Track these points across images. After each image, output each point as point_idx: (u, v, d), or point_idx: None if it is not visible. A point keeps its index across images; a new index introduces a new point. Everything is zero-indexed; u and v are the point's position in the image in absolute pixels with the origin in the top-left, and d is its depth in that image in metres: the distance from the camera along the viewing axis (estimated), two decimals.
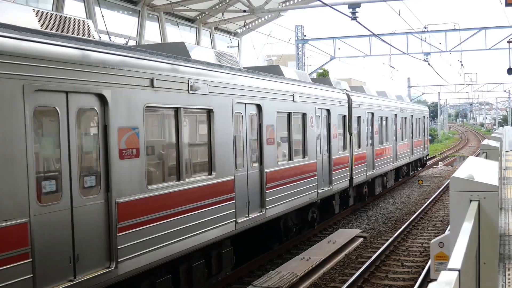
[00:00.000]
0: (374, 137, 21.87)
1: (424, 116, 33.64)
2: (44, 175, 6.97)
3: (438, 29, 35.05)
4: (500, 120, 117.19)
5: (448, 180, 8.47)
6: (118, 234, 7.84)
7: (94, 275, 7.39)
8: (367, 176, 20.65)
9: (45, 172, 7.04)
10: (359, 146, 19.85)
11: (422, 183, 28.97)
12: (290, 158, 14.02)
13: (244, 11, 24.17)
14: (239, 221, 11.24)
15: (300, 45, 34.26)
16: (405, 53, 34.48)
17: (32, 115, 6.65)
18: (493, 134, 22.73)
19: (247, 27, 30.31)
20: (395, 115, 25.58)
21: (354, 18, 21.82)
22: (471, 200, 4.77)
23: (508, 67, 31.77)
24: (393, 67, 43.21)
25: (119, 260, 7.83)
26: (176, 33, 25.07)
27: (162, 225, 8.81)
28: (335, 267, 13.30)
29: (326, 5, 17.44)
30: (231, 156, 11.04)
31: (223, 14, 24.75)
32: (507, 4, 15.42)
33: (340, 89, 18.96)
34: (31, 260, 6.53)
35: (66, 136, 7.14)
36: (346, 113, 18.53)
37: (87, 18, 19.31)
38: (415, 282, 11.82)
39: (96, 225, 7.58)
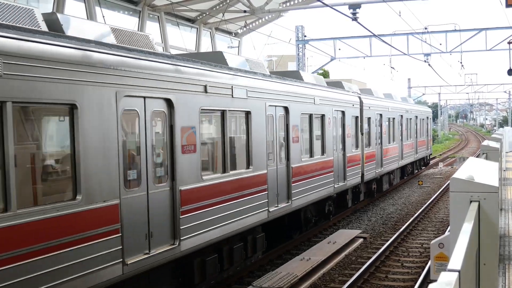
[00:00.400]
0: (383, 137, 23.33)
1: (427, 117, 35.35)
2: (128, 165, 8.37)
3: (439, 29, 35.06)
4: (500, 121, 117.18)
5: (448, 181, 8.47)
6: (181, 217, 9.26)
7: (163, 250, 8.77)
8: (376, 173, 22.12)
9: (130, 163, 8.43)
10: (369, 145, 21.35)
11: (422, 184, 28.97)
12: (311, 155, 15.54)
13: (245, 11, 24.16)
14: (270, 210, 12.77)
15: (300, 45, 34.27)
16: (406, 54, 34.48)
17: (121, 116, 8.05)
18: (493, 135, 22.73)
19: (247, 27, 30.31)
20: (401, 116, 27.09)
21: (355, 19, 21.80)
22: (471, 201, 4.77)
23: (509, 68, 31.77)
24: (393, 68, 43.23)
25: (181, 238, 9.22)
26: (177, 34, 25.08)
27: (212, 211, 10.26)
28: (335, 268, 13.31)
29: (327, 5, 17.46)
30: (264, 152, 12.60)
31: (223, 15, 24.76)
32: (508, 5, 15.43)
33: (352, 92, 20.38)
34: (120, 235, 7.89)
35: (144, 133, 8.59)
36: (358, 115, 20.10)
37: (87, 18, 19.34)
38: (415, 283, 11.82)
39: (164, 208, 9.00)
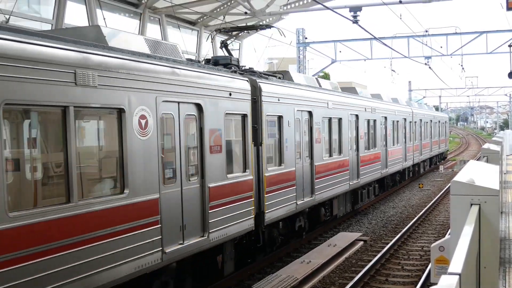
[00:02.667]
0: (421, 135, 33.06)
1: (445, 121, 45.99)
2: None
3: (439, 32, 35.14)
4: (501, 124, 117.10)
5: (449, 184, 8.47)
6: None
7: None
8: (419, 159, 32.48)
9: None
10: (415, 140, 30.98)
11: (422, 187, 28.95)
12: (393, 144, 25.43)
13: (246, 13, 24.18)
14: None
15: (301, 48, 34.27)
16: (406, 57, 34.49)
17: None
18: (493, 138, 22.80)
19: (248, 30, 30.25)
20: (431, 120, 36.90)
21: (355, 22, 21.81)
22: (471, 204, 4.77)
23: (509, 71, 31.75)
24: (394, 71, 43.21)
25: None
26: (177, 36, 25.09)
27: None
28: (335, 271, 13.28)
29: (328, 8, 17.48)
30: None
31: (224, 17, 24.76)
32: (508, 8, 15.45)
33: (406, 105, 30.89)
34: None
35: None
36: (411, 120, 29.73)
37: (88, 21, 19.29)
38: (415, 286, 11.80)
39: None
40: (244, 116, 11.67)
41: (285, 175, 13.38)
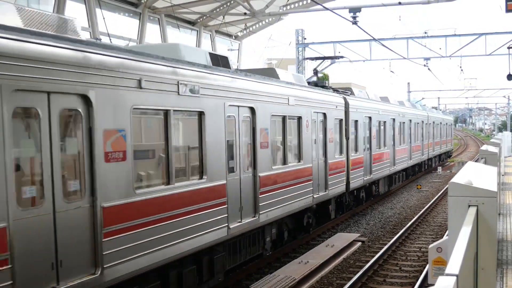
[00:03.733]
0: (434, 134, 39.31)
1: (451, 123, 52.87)
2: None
3: (438, 34, 35.11)
4: (499, 126, 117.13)
5: (447, 185, 8.46)
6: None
7: None
8: (432, 154, 38.71)
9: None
10: (429, 139, 36.95)
11: (420, 188, 28.97)
12: (415, 141, 31.06)
13: (245, 13, 24.19)
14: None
15: (300, 48, 34.30)
16: (405, 58, 34.53)
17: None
18: (492, 140, 22.86)
19: (247, 30, 30.34)
20: (440, 122, 43.14)
21: (355, 23, 21.84)
22: (469, 206, 4.78)
23: (508, 73, 31.82)
24: (393, 72, 43.30)
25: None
26: (177, 36, 25.10)
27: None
28: (333, 271, 13.29)
29: (327, 9, 17.50)
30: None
31: (224, 17, 24.80)
32: (508, 10, 15.50)
33: (422, 109, 37.46)
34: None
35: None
36: (427, 122, 35.79)
37: (88, 20, 19.30)
38: (413, 287, 11.82)
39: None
40: (341, 120, 18.08)
41: (358, 159, 19.86)
